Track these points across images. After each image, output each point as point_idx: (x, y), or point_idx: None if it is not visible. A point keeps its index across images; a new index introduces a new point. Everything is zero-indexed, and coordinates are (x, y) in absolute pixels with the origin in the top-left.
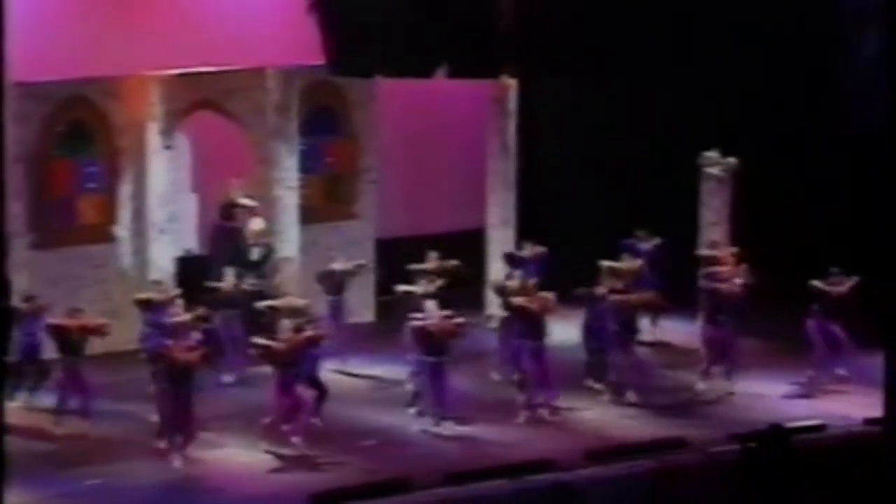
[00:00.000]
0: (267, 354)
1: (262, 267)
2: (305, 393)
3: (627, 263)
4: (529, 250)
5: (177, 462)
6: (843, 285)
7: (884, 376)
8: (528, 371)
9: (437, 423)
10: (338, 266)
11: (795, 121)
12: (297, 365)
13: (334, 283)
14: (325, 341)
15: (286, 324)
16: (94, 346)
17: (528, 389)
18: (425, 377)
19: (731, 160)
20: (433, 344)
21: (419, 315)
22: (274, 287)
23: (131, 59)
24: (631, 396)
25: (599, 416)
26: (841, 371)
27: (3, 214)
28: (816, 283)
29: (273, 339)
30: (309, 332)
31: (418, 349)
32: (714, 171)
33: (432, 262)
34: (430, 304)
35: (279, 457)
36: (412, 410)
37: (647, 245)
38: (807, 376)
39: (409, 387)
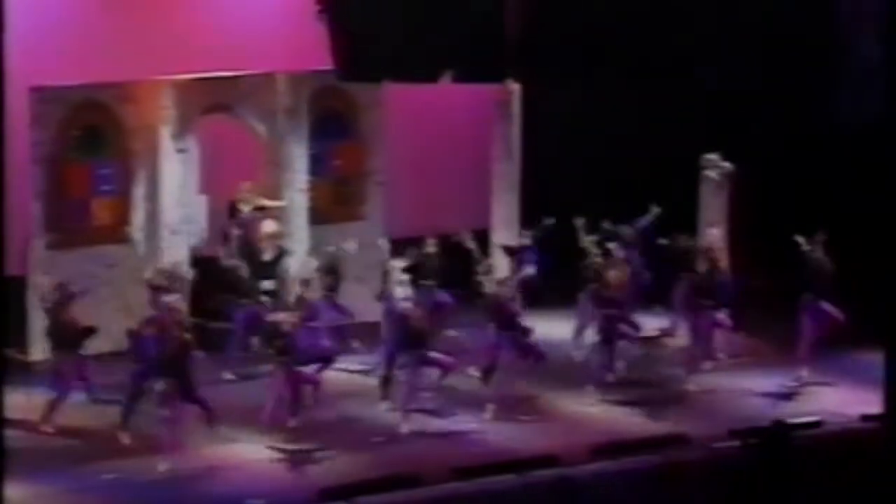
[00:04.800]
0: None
1: (275, 268)
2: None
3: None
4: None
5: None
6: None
7: (884, 374)
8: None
9: (405, 418)
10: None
11: (794, 122)
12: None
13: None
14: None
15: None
16: (107, 343)
17: (494, 383)
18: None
19: (728, 165)
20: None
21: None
22: (285, 289)
23: (145, 64)
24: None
25: (603, 412)
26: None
27: (2, 216)
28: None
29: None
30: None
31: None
32: (712, 174)
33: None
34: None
35: (287, 451)
36: (384, 406)
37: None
38: (799, 375)
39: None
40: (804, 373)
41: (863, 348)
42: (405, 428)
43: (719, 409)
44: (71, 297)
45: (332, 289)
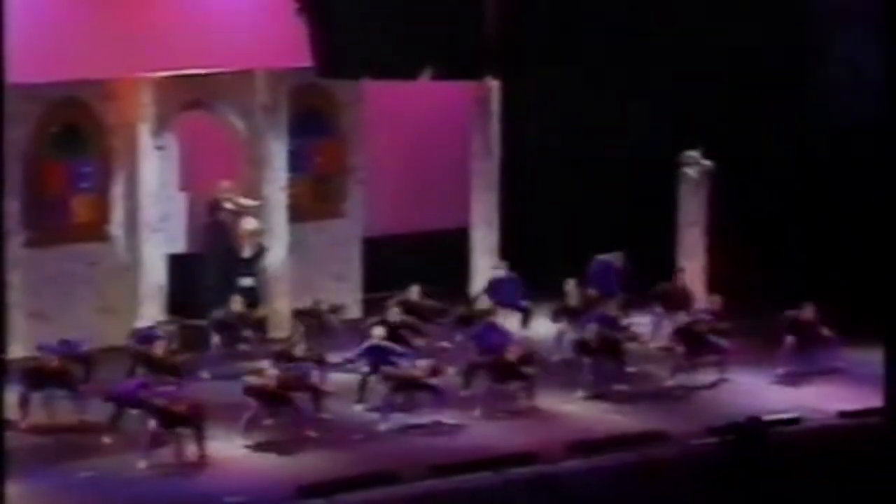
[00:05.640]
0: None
1: (253, 265)
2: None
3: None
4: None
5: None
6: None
7: (885, 371)
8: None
9: (385, 416)
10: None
11: (772, 120)
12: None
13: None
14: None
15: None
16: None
17: (478, 382)
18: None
19: (708, 163)
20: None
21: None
22: (264, 285)
23: (123, 62)
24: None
25: (581, 409)
26: (836, 363)
27: (2, 215)
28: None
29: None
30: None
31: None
32: (690, 171)
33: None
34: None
35: (267, 449)
36: (359, 407)
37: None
38: (780, 372)
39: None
40: (781, 370)
41: (847, 345)
42: (384, 426)
43: (702, 406)
44: None
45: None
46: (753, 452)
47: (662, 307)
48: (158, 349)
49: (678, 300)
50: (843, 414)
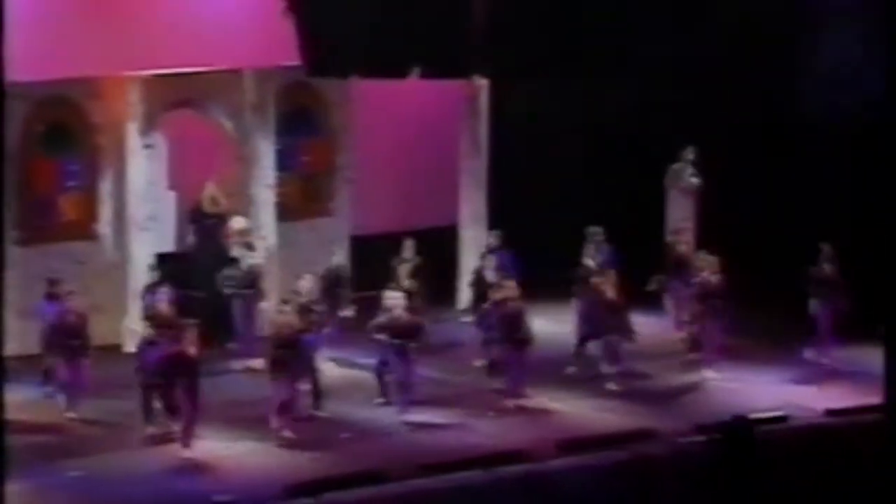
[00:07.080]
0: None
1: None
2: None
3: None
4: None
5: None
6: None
7: (885, 368)
8: (504, 360)
9: (402, 411)
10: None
11: (763, 120)
12: (295, 348)
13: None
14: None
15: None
16: None
17: (502, 377)
18: (392, 361)
19: (695, 181)
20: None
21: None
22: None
23: (111, 60)
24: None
25: (571, 407)
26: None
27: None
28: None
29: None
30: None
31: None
32: (679, 185)
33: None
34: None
35: (256, 447)
36: (380, 401)
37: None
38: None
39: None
40: (826, 360)
41: (846, 345)
42: (405, 419)
43: (692, 404)
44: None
45: (336, 302)
46: (741, 450)
47: (675, 273)
48: (164, 307)
49: (685, 261)
50: (831, 412)
